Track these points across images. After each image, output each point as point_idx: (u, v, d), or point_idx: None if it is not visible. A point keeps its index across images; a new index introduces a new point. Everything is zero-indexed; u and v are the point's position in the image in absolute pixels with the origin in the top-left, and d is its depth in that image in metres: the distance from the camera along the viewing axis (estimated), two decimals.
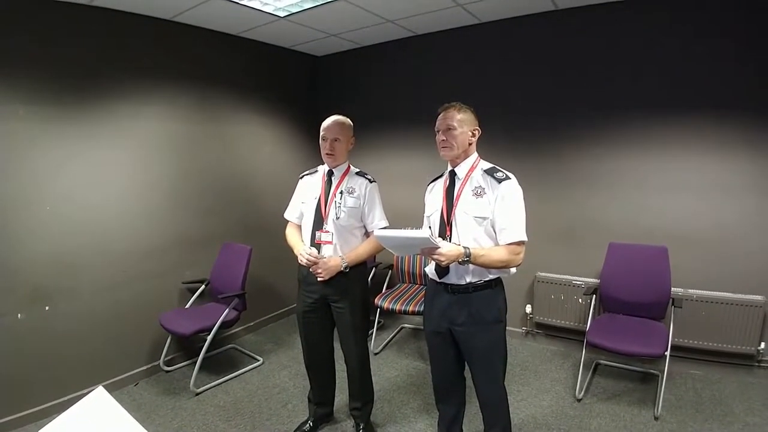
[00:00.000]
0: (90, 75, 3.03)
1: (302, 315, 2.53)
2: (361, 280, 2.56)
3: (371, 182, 2.49)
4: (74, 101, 2.96)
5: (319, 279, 2.36)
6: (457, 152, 2.00)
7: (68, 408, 1.20)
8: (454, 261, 1.83)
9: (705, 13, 3.01)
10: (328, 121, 2.44)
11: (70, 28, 2.90)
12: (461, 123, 1.97)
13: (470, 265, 1.90)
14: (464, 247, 1.83)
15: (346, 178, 2.48)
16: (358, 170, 2.53)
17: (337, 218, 2.40)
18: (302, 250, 2.39)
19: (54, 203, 2.88)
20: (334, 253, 2.39)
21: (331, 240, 2.39)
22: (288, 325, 4.37)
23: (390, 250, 2.08)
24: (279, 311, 4.52)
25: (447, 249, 1.80)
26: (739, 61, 2.95)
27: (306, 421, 2.69)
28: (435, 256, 1.81)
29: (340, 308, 2.47)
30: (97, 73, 3.07)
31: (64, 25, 2.87)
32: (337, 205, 2.41)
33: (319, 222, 2.41)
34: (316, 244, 2.40)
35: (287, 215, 2.63)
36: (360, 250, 2.45)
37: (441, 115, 2.02)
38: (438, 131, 2.02)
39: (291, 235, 2.58)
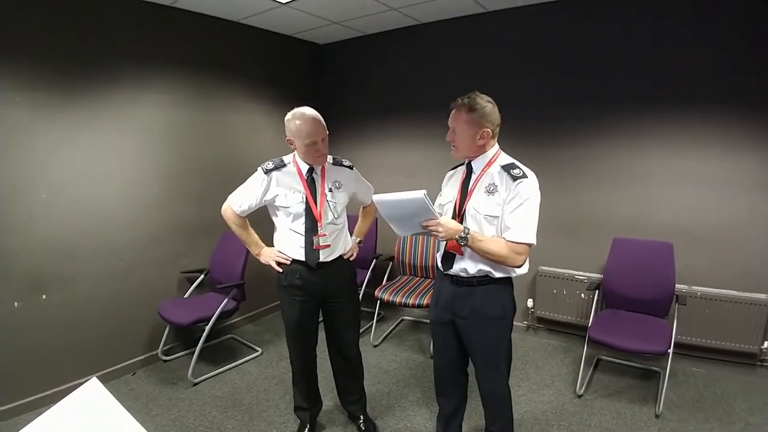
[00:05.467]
0: (88, 61, 2.97)
1: (298, 323, 2.36)
2: (354, 270, 2.53)
3: (351, 169, 2.40)
4: (72, 88, 2.90)
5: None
6: (464, 153, 1.94)
7: (64, 398, 1.19)
8: (452, 236, 1.77)
9: (713, 7, 2.93)
10: (306, 122, 2.11)
11: (68, 13, 2.84)
12: (467, 125, 1.86)
13: (477, 258, 1.86)
14: (464, 227, 1.78)
15: (326, 171, 2.30)
16: (332, 159, 2.35)
17: (336, 218, 2.29)
18: (272, 255, 2.32)
19: (50, 191, 2.84)
20: (332, 251, 2.30)
21: (329, 243, 2.27)
22: None
23: (390, 224, 1.86)
24: (278, 302, 4.47)
25: (446, 221, 1.76)
26: (749, 56, 2.88)
27: None
28: (432, 227, 1.75)
29: (341, 302, 2.40)
30: (96, 59, 3.01)
31: (62, 10, 2.81)
32: (332, 205, 2.27)
33: (313, 227, 2.23)
34: (314, 250, 2.24)
35: (236, 205, 2.31)
36: (363, 226, 2.47)
37: (451, 112, 1.93)
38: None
39: (244, 233, 2.37)
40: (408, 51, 4.21)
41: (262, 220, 2.44)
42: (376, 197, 1.80)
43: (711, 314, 3.06)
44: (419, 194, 1.66)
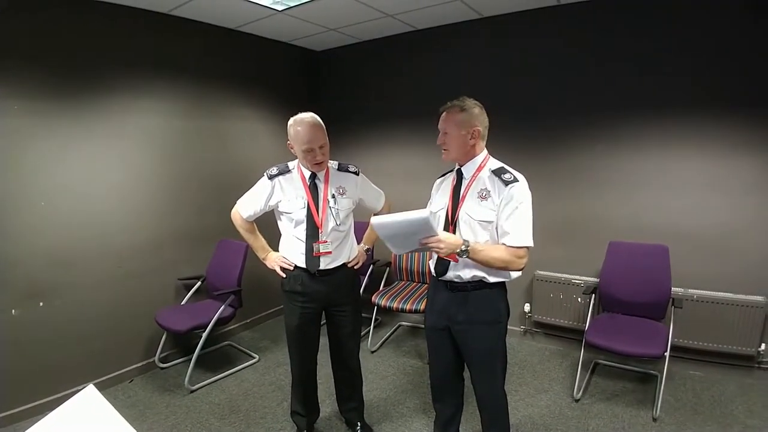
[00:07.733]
0: (86, 69, 2.99)
1: (297, 329, 2.35)
2: (357, 279, 2.52)
3: (357, 174, 2.37)
4: (70, 96, 2.92)
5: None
6: (455, 155, 1.94)
7: (61, 405, 1.19)
8: (452, 251, 1.74)
9: (708, 11, 2.95)
10: (304, 128, 2.12)
11: (66, 21, 2.86)
12: (458, 125, 1.88)
13: (471, 265, 1.87)
14: (464, 240, 1.77)
15: (330, 177, 2.28)
16: (337, 165, 2.33)
17: (338, 225, 2.25)
18: (277, 260, 2.33)
19: (49, 198, 2.85)
20: (334, 259, 2.28)
21: (330, 250, 2.25)
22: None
23: (388, 245, 1.80)
24: (275, 308, 4.48)
25: (446, 236, 1.73)
26: (742, 60, 2.90)
27: None
28: (433, 244, 1.70)
29: (343, 312, 2.39)
30: (94, 67, 3.03)
31: (60, 18, 2.83)
32: (335, 211, 2.24)
33: (314, 233, 2.22)
34: (314, 257, 2.22)
35: (243, 210, 2.34)
36: (372, 233, 2.45)
37: (441, 116, 1.95)
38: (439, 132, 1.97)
39: (252, 237, 2.42)
40: (404, 57, 4.24)
41: (271, 225, 2.45)
42: (375, 220, 1.70)
43: (707, 317, 3.06)
44: (424, 213, 1.61)
